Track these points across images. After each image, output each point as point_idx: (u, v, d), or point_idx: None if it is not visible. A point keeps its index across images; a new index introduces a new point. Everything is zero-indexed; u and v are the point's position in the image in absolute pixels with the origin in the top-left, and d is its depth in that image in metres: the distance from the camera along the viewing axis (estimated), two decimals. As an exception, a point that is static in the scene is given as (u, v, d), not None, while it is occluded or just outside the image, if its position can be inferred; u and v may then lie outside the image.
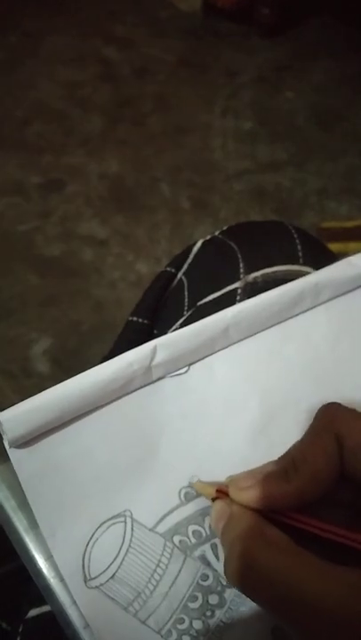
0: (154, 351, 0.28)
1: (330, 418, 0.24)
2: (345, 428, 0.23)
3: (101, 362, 0.40)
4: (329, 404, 0.25)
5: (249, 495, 0.23)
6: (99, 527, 0.27)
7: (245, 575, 0.21)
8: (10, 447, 0.27)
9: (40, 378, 1.00)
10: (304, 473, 0.23)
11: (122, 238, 1.19)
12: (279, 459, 0.24)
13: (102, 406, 0.28)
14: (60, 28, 1.57)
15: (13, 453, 0.27)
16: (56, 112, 1.39)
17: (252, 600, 0.21)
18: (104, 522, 0.27)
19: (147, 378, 0.29)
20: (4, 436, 0.26)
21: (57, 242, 1.17)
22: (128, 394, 0.29)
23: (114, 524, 0.27)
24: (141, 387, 0.29)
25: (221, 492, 0.25)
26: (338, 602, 0.19)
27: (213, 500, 0.25)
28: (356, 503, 0.24)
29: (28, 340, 1.04)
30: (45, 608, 0.32)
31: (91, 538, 0.27)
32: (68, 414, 0.27)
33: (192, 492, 0.28)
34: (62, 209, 1.22)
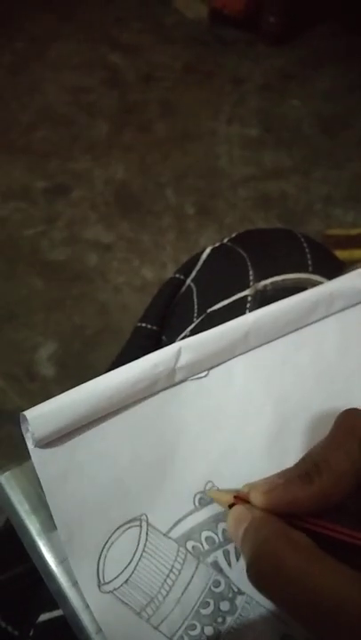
0: (178, 353, 0.29)
1: (352, 422, 0.24)
2: None
3: (110, 367, 0.40)
4: (351, 409, 0.25)
5: (272, 498, 0.23)
6: (115, 530, 0.27)
7: (272, 579, 0.21)
8: (34, 447, 0.26)
9: (44, 382, 1.01)
10: (328, 476, 0.23)
11: (127, 243, 1.19)
12: (298, 463, 0.24)
13: (126, 408, 0.28)
14: (67, 33, 1.58)
15: (36, 453, 0.26)
16: (62, 117, 1.40)
17: (277, 604, 0.21)
18: (120, 525, 0.27)
19: (170, 380, 0.29)
20: (27, 435, 0.26)
21: (62, 246, 1.18)
22: (151, 396, 0.29)
23: (130, 527, 0.27)
24: (164, 389, 0.29)
25: (239, 499, 0.25)
26: (360, 605, 0.19)
27: (230, 506, 0.25)
28: None
29: (32, 344, 1.05)
30: (56, 613, 0.32)
31: (107, 541, 0.27)
32: (93, 414, 0.27)
33: (206, 497, 0.28)
34: (68, 214, 1.23)
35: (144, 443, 0.28)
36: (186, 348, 0.29)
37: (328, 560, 0.21)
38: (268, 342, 0.31)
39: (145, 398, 0.29)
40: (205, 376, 0.30)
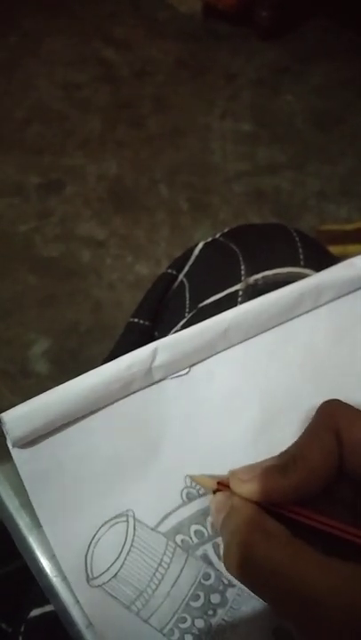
0: (154, 353, 0.29)
1: (330, 414, 0.24)
2: (345, 424, 0.24)
3: (102, 363, 0.40)
4: (329, 400, 0.25)
5: (249, 487, 0.24)
6: (101, 527, 0.27)
7: (244, 566, 0.21)
8: (12, 447, 0.27)
9: (38, 378, 1.00)
10: (301, 468, 0.23)
11: (120, 239, 1.19)
12: (280, 454, 0.25)
13: (104, 407, 0.28)
14: (60, 29, 1.57)
15: (16, 453, 0.27)
16: (55, 113, 1.39)
17: (251, 591, 0.22)
18: (107, 521, 0.27)
19: (148, 379, 0.29)
20: (7, 436, 0.27)
21: (56, 242, 1.18)
22: (129, 395, 0.29)
23: (116, 523, 0.27)
24: (143, 388, 0.29)
25: (222, 485, 0.25)
26: (335, 593, 0.19)
27: (214, 492, 0.26)
28: (356, 500, 0.24)
29: (26, 341, 1.05)
30: (48, 608, 0.32)
31: (93, 537, 0.27)
32: (69, 415, 0.27)
33: (194, 491, 0.28)
34: (61, 210, 1.22)
35: (126, 440, 0.28)
36: (162, 348, 0.29)
37: (300, 547, 0.21)
38: (253, 337, 0.31)
39: (125, 397, 0.29)
40: (186, 373, 0.30)
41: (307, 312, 0.32)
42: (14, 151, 1.31)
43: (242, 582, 0.22)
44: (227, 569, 0.22)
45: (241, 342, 0.31)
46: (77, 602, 0.27)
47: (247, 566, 0.21)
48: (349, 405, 0.25)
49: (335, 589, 0.19)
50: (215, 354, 0.31)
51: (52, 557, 0.28)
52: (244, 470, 0.25)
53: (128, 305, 1.09)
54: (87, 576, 0.27)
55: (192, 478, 0.28)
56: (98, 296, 1.11)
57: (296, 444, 0.25)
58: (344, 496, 0.24)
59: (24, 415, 0.26)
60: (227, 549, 0.23)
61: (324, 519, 0.23)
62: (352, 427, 0.24)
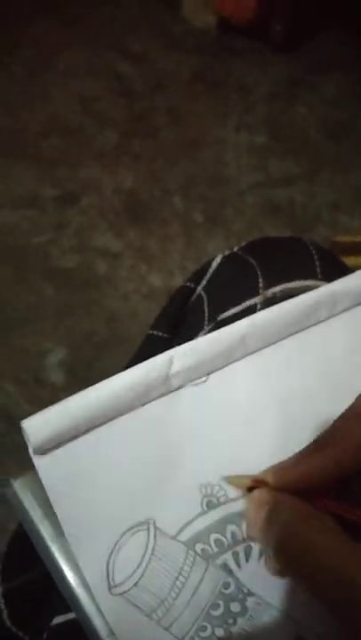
0: (171, 360, 0.29)
1: None
2: None
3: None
4: None
5: (285, 470, 0.24)
6: (123, 535, 0.27)
7: (302, 560, 0.21)
8: (34, 454, 0.27)
9: (53, 388, 1.01)
10: (340, 444, 0.23)
11: (135, 251, 1.20)
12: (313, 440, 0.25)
13: (125, 414, 0.29)
14: (76, 42, 1.59)
15: (38, 460, 0.28)
16: (71, 126, 1.41)
17: (306, 586, 0.21)
18: (128, 530, 0.28)
19: (166, 387, 0.29)
20: (28, 443, 0.27)
21: (72, 254, 1.19)
22: (150, 402, 0.29)
23: (137, 531, 0.28)
24: (162, 395, 0.30)
25: (258, 482, 0.25)
26: None
27: (250, 490, 0.26)
28: None
29: (42, 350, 1.06)
30: (70, 615, 0.32)
31: (115, 545, 0.27)
32: (88, 422, 0.28)
33: (214, 500, 0.28)
34: (77, 221, 1.24)
35: (146, 448, 0.29)
36: (179, 355, 0.29)
37: (353, 543, 0.21)
38: (271, 344, 0.32)
39: (144, 404, 0.29)
40: (205, 381, 0.30)
41: (323, 320, 0.33)
42: (30, 163, 1.33)
43: (296, 576, 0.22)
44: (280, 564, 0.22)
45: (258, 350, 0.31)
46: (100, 611, 0.27)
47: (305, 559, 0.21)
48: None
49: None
50: (233, 362, 0.31)
51: (75, 567, 0.28)
52: (280, 462, 0.25)
53: (142, 316, 1.10)
54: (109, 584, 0.27)
55: (227, 479, 0.28)
56: (112, 307, 1.12)
57: (331, 425, 0.25)
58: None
59: (44, 421, 0.27)
60: (279, 543, 0.22)
61: None
62: None
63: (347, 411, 0.25)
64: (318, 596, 0.21)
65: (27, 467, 0.29)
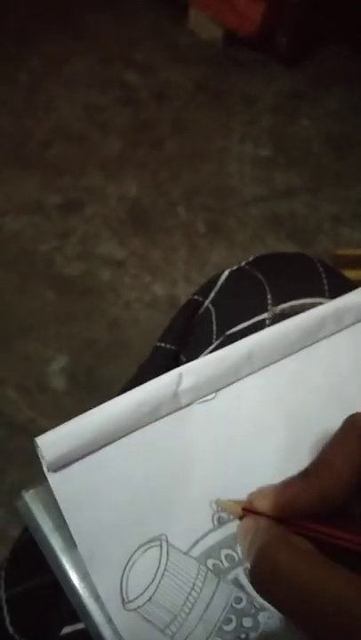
0: (180, 377, 0.30)
1: (356, 424, 0.25)
2: None
3: (127, 385, 0.41)
4: (356, 413, 0.25)
5: (273, 499, 0.24)
6: (136, 551, 0.28)
7: (270, 580, 0.21)
8: (47, 471, 0.28)
9: (55, 394, 1.02)
10: (326, 475, 0.24)
11: (138, 260, 1.20)
12: (303, 468, 0.25)
13: (136, 431, 0.29)
14: (82, 52, 1.60)
15: (51, 477, 0.28)
16: (76, 134, 1.42)
17: (277, 609, 0.22)
18: (140, 546, 0.28)
19: (175, 404, 0.30)
20: (41, 460, 0.28)
21: (75, 261, 1.19)
22: (159, 419, 0.30)
23: (150, 547, 0.28)
24: (171, 413, 0.30)
25: (248, 510, 0.26)
26: None
27: (240, 518, 0.26)
28: None
29: (44, 357, 1.06)
30: (79, 626, 0.32)
31: (128, 561, 0.28)
32: (100, 439, 0.28)
33: (225, 516, 0.29)
34: (81, 229, 1.24)
35: (157, 465, 0.29)
36: (187, 373, 0.30)
37: (327, 563, 0.21)
38: (277, 361, 0.32)
39: (154, 422, 0.30)
40: (213, 398, 0.31)
41: (329, 336, 0.33)
42: (35, 171, 1.34)
43: (267, 598, 0.22)
44: (253, 586, 0.23)
45: (265, 367, 0.32)
46: (109, 621, 0.27)
47: (272, 580, 0.21)
48: None
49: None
50: (240, 379, 0.31)
51: (85, 578, 0.28)
52: (268, 487, 0.25)
53: (144, 324, 1.10)
54: (122, 599, 0.27)
55: (217, 504, 0.29)
56: (115, 315, 1.12)
57: (319, 454, 0.25)
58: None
59: (57, 439, 0.27)
60: (252, 566, 0.23)
61: (346, 535, 0.23)
62: None
63: (332, 438, 0.25)
64: (294, 620, 0.21)
65: (28, 471, 0.29)
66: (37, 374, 1.04)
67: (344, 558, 0.22)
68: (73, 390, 1.02)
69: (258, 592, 0.22)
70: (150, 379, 0.30)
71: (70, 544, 0.28)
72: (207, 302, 0.45)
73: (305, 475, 0.24)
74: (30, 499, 0.30)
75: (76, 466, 0.28)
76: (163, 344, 0.45)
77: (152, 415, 0.29)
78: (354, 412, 0.31)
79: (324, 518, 0.24)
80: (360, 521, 0.25)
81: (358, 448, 0.24)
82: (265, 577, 0.22)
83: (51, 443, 0.27)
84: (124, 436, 0.29)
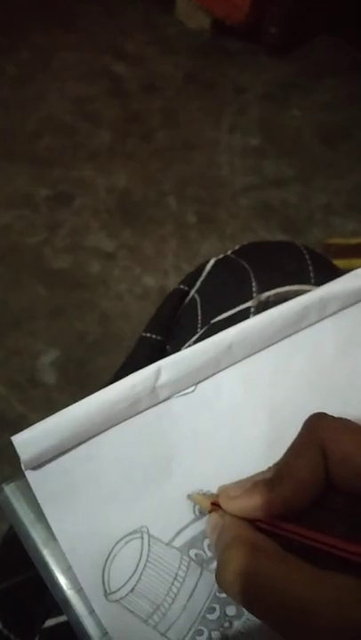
0: (158, 372, 0.29)
1: (314, 428, 0.24)
2: (329, 438, 0.24)
3: (114, 377, 0.41)
4: (315, 414, 0.25)
5: (237, 504, 0.24)
6: (117, 543, 0.28)
7: (234, 581, 0.21)
8: (25, 469, 0.28)
9: (46, 388, 1.01)
10: (288, 483, 0.23)
11: (129, 251, 1.20)
12: (269, 468, 0.25)
13: (115, 426, 0.29)
14: (71, 44, 1.59)
15: (30, 475, 0.28)
16: (66, 126, 1.41)
17: (244, 607, 0.22)
18: (122, 538, 0.28)
19: (153, 399, 0.29)
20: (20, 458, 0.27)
21: (65, 254, 1.19)
22: (138, 414, 0.29)
23: (131, 539, 0.28)
24: (149, 407, 0.30)
25: (216, 505, 0.26)
26: (326, 605, 0.19)
27: (210, 512, 0.26)
28: (350, 512, 0.24)
29: (35, 351, 1.05)
30: (62, 618, 0.32)
31: (109, 554, 0.27)
32: (77, 436, 0.28)
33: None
34: (71, 222, 1.24)
35: (136, 458, 0.29)
36: (165, 367, 0.29)
37: (289, 560, 0.21)
38: (258, 352, 0.31)
39: (133, 416, 0.29)
40: (193, 391, 0.30)
41: (312, 324, 0.32)
42: (24, 163, 1.33)
43: (233, 598, 0.22)
44: (218, 586, 0.22)
45: (246, 357, 0.31)
46: (91, 613, 0.27)
47: (237, 582, 0.21)
48: (335, 418, 0.25)
49: (327, 601, 0.19)
50: (221, 370, 0.31)
51: (67, 570, 0.28)
52: (233, 487, 0.25)
53: (135, 316, 1.10)
54: (105, 591, 0.27)
55: (189, 498, 0.28)
56: (105, 307, 1.12)
57: (283, 460, 0.25)
58: (339, 506, 0.24)
59: (33, 438, 0.27)
60: (217, 566, 0.23)
61: (312, 534, 0.23)
62: (337, 440, 0.23)
63: (294, 444, 0.25)
64: (264, 620, 0.21)
65: (19, 467, 0.29)
66: (28, 368, 1.03)
67: (314, 552, 0.22)
68: (64, 384, 1.01)
69: (226, 593, 0.22)
70: (134, 370, 0.29)
71: (52, 537, 0.28)
72: (193, 291, 0.45)
73: (269, 483, 0.24)
74: (11, 492, 0.29)
75: (54, 463, 0.28)
76: (148, 334, 0.45)
77: (130, 410, 0.29)
78: (336, 400, 0.31)
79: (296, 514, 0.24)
80: (336, 511, 0.25)
81: (319, 454, 0.24)
82: (230, 578, 0.22)
83: (27, 441, 0.27)
84: (101, 432, 0.29)
